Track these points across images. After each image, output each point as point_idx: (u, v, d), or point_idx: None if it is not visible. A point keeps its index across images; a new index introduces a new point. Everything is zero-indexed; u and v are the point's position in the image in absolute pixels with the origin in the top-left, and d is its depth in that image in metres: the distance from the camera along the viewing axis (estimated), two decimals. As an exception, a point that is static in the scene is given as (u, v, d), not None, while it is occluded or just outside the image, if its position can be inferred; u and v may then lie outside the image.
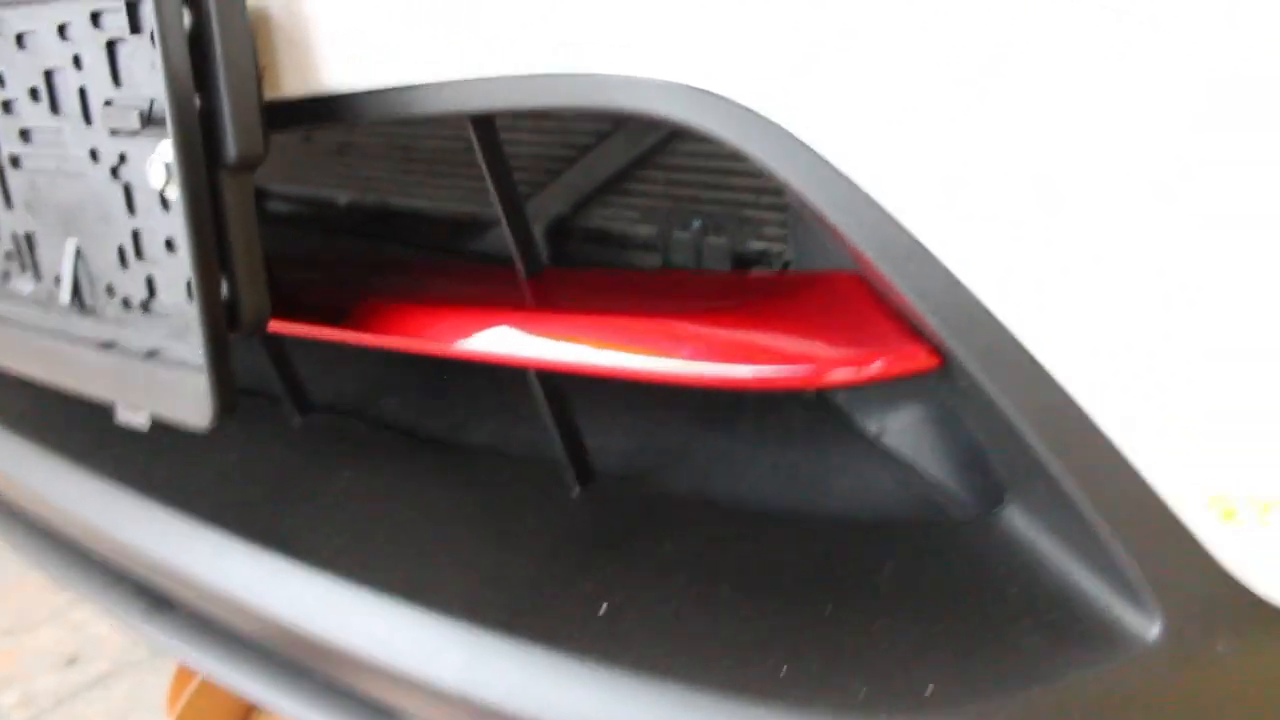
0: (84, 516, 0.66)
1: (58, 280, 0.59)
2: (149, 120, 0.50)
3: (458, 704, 0.51)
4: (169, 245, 0.53)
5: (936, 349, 0.44)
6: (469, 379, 0.68)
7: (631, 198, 0.76)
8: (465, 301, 0.53)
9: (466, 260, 0.71)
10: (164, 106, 0.49)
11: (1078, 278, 0.38)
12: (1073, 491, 0.41)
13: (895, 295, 0.44)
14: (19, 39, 0.55)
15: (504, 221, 0.55)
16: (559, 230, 0.80)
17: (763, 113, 0.43)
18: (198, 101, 0.48)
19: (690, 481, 0.59)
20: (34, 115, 0.56)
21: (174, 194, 0.51)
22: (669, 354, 0.48)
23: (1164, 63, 0.36)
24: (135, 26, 0.49)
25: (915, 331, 0.45)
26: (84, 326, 0.58)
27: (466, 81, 0.49)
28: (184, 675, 0.84)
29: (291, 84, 0.52)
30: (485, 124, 0.53)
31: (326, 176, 0.87)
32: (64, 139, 0.55)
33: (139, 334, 0.56)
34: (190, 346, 0.53)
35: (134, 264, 0.55)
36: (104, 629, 1.30)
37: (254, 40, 0.49)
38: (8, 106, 0.58)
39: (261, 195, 0.91)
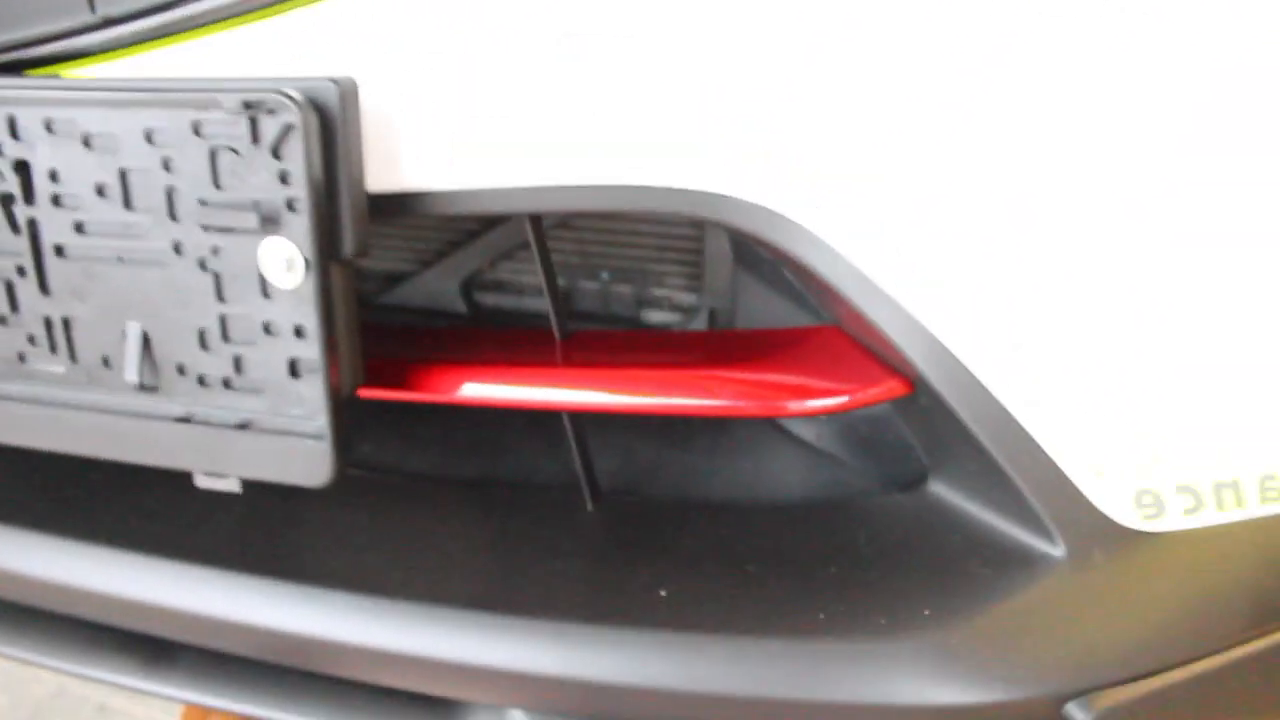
0: (91, 584, 0.68)
1: (106, 361, 0.63)
2: (267, 220, 0.56)
3: (559, 689, 0.63)
4: (267, 329, 0.59)
5: (910, 380, 0.62)
6: (478, 431, 0.77)
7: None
8: (518, 364, 0.64)
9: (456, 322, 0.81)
10: (278, 207, 0.56)
11: (1004, 338, 0.58)
12: (1005, 466, 0.61)
13: (881, 344, 0.62)
14: (86, 139, 0.58)
15: (547, 297, 0.66)
16: (473, 283, 0.91)
17: (784, 213, 0.59)
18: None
19: (673, 489, 0.74)
20: (98, 210, 0.59)
21: (286, 284, 0.58)
22: (717, 398, 0.63)
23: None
24: (255, 138, 0.56)
25: (892, 369, 0.63)
26: (145, 403, 0.62)
27: (531, 189, 0.60)
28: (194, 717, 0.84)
29: (378, 182, 0.60)
30: (537, 220, 0.64)
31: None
32: (138, 232, 0.59)
33: (223, 408, 0.61)
34: (292, 417, 0.60)
35: (218, 345, 0.60)
36: None
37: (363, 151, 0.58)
38: (58, 200, 0.60)
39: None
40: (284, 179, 0.56)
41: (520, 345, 0.68)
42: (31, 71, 0.63)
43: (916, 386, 0.63)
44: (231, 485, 0.62)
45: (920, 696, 0.60)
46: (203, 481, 0.62)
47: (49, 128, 0.59)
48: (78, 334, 0.63)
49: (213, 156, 0.57)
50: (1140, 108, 0.55)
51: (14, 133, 0.59)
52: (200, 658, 0.75)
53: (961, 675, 0.60)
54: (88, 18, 0.61)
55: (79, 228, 0.61)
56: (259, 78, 0.57)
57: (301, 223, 0.56)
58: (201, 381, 0.62)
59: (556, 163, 0.59)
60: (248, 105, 0.54)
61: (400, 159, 0.59)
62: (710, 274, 0.83)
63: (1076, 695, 0.61)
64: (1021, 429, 0.60)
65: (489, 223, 0.89)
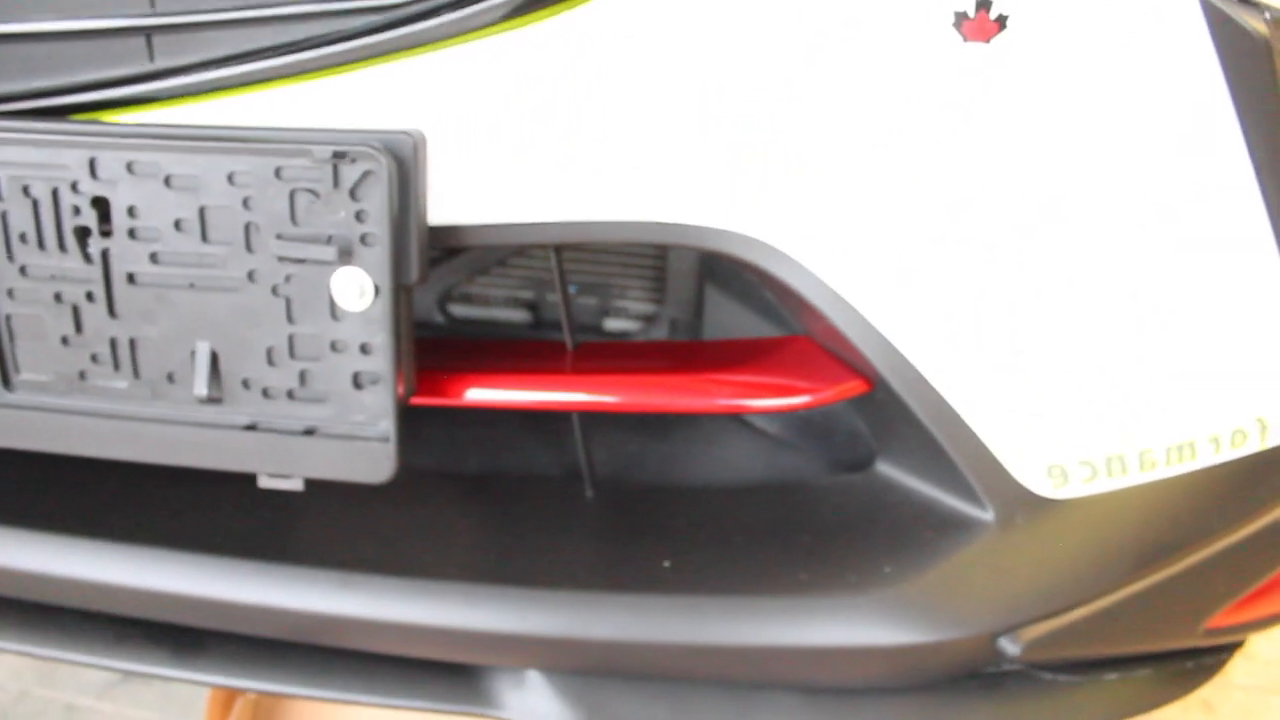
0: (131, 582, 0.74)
1: (170, 377, 0.69)
2: (343, 253, 0.64)
3: (580, 649, 0.73)
4: (334, 346, 0.67)
5: (869, 380, 0.75)
6: (477, 430, 0.86)
7: (516, 270, 0.97)
8: (540, 372, 0.74)
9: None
10: (353, 241, 0.64)
11: (946, 345, 0.71)
12: (946, 447, 0.75)
13: (846, 350, 0.74)
14: (167, 179, 0.64)
15: (562, 314, 0.76)
16: (448, 296, 0.99)
17: (770, 243, 0.71)
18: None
19: (656, 476, 0.85)
20: (174, 242, 0.66)
21: (356, 308, 0.66)
22: (705, 399, 0.74)
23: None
24: (336, 182, 0.63)
25: (854, 371, 0.76)
26: (210, 414, 0.69)
27: (558, 224, 0.70)
28: (219, 700, 0.89)
29: (434, 217, 0.69)
30: (559, 250, 0.74)
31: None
32: (212, 262, 0.66)
33: (287, 417, 0.68)
34: (355, 423, 0.68)
35: (284, 361, 0.67)
36: None
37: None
38: (134, 233, 0.66)
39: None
40: (360, 217, 0.64)
41: (537, 355, 0.78)
42: (82, 115, 0.69)
43: (875, 385, 0.76)
44: (295, 485, 0.69)
45: (888, 638, 0.74)
46: (266, 482, 0.70)
47: (130, 169, 0.65)
48: (143, 353, 0.69)
49: (291, 197, 0.64)
50: (1044, 149, 0.70)
51: (94, 172, 0.65)
52: (227, 643, 0.81)
53: (919, 618, 0.74)
54: (145, 67, 0.67)
55: (153, 258, 0.67)
56: (337, 130, 0.64)
57: (377, 255, 0.65)
58: (266, 393, 0.69)
59: (579, 203, 0.70)
60: (336, 155, 0.62)
61: (452, 199, 0.68)
62: (672, 287, 0.95)
63: (1007, 631, 0.76)
64: (959, 418, 0.74)
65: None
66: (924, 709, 0.79)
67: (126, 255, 0.67)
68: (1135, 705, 0.84)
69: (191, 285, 0.67)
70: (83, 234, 0.67)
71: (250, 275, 0.67)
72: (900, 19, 0.66)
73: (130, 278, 0.68)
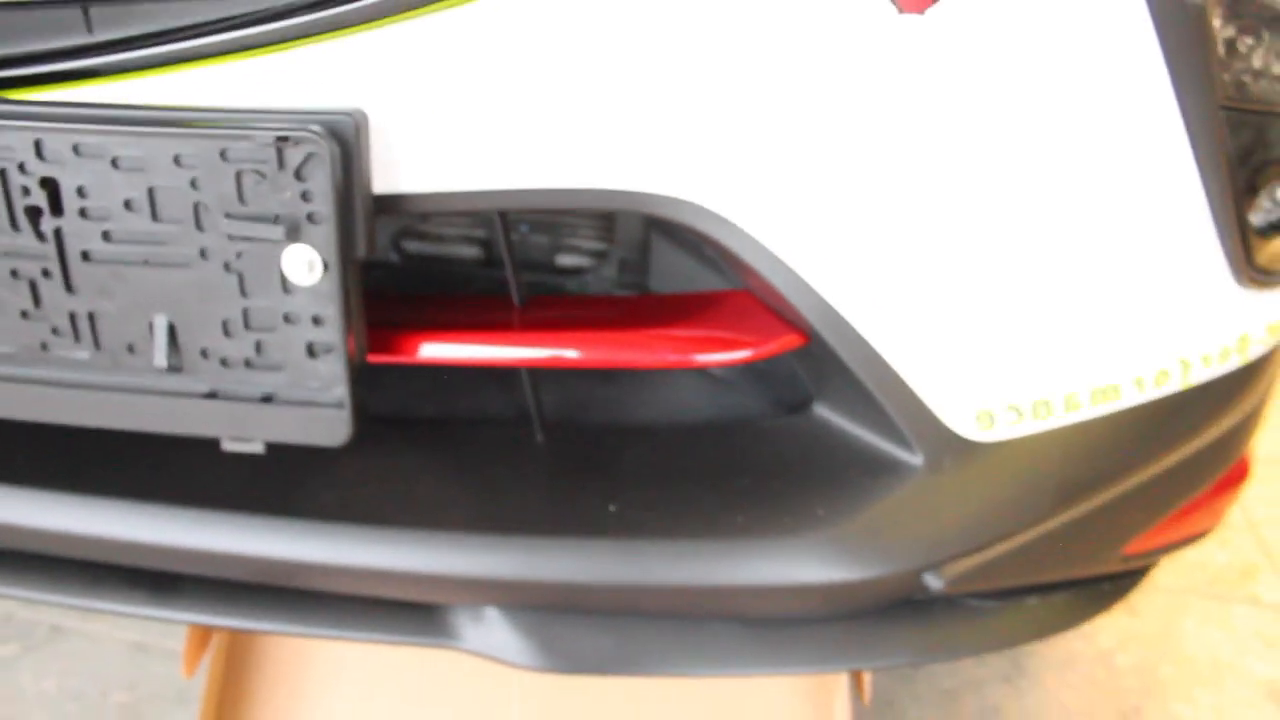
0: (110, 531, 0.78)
1: (130, 348, 0.71)
2: (290, 230, 0.66)
3: (533, 589, 0.78)
4: (287, 318, 0.69)
5: (805, 333, 0.78)
6: (432, 376, 0.88)
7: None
8: (490, 328, 0.77)
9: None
10: (299, 220, 0.66)
11: (876, 301, 0.74)
12: (877, 395, 0.79)
13: (782, 305, 0.77)
14: (114, 161, 0.65)
15: (508, 271, 0.78)
16: (402, 234, 1.00)
17: (714, 209, 0.73)
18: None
19: (605, 417, 0.89)
20: (126, 221, 0.67)
21: (306, 282, 0.68)
22: (649, 353, 0.77)
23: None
24: (281, 164, 0.64)
25: (791, 324, 0.79)
26: (171, 382, 0.71)
27: (499, 192, 0.72)
28: (197, 636, 0.94)
29: (377, 186, 0.70)
30: (504, 214, 0.75)
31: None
32: (164, 240, 0.67)
33: (245, 385, 0.71)
34: (311, 389, 0.71)
35: (240, 333, 0.70)
36: None
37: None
38: (84, 213, 0.67)
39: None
40: (305, 197, 0.66)
41: (488, 310, 0.80)
42: (24, 89, 0.69)
43: (810, 338, 0.79)
44: (256, 448, 0.73)
45: (820, 576, 0.79)
46: (229, 445, 0.73)
47: (76, 150, 0.66)
48: (102, 325, 0.71)
49: (238, 177, 0.66)
50: (976, 113, 0.71)
51: (40, 154, 0.66)
52: (200, 585, 0.86)
53: (849, 558, 0.79)
54: (83, 39, 0.67)
55: (106, 236, 0.68)
56: (279, 110, 0.65)
57: (323, 232, 0.67)
58: (224, 363, 0.71)
59: (523, 172, 0.71)
60: (279, 139, 0.63)
61: (395, 169, 0.69)
62: (621, 227, 0.97)
63: (931, 567, 0.81)
64: (889, 367, 0.78)
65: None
66: (856, 634, 0.85)
67: (79, 234, 0.69)
68: (1055, 625, 0.91)
69: (145, 262, 0.69)
70: (34, 213, 0.68)
71: (202, 252, 0.68)
72: (837, -8, 0.67)
73: (84, 255, 0.69)
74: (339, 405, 0.72)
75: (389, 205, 0.72)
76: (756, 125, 0.70)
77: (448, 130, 0.70)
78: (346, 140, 0.66)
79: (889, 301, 0.77)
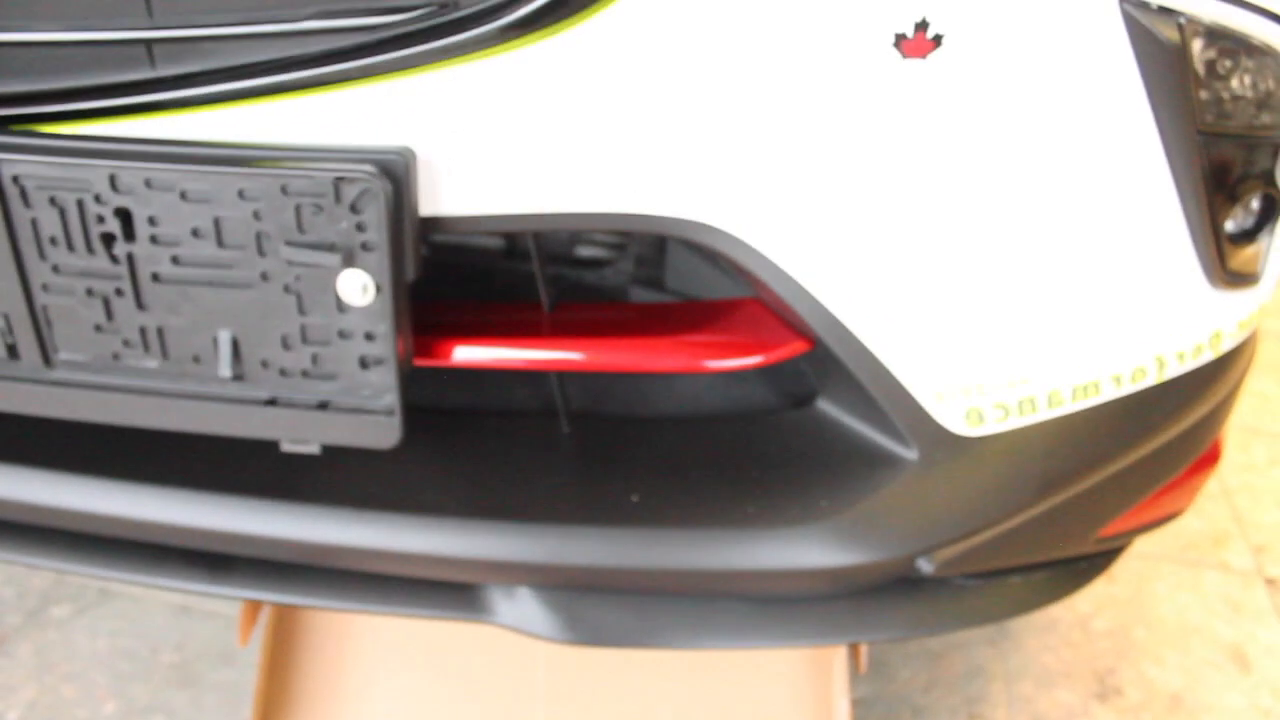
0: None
1: (196, 359, 0.77)
2: (346, 257, 0.72)
3: (562, 571, 0.85)
4: (341, 334, 0.76)
5: (810, 339, 0.85)
6: (450, 371, 0.95)
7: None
8: (521, 335, 0.83)
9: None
10: (354, 247, 0.72)
11: (874, 311, 0.81)
12: (875, 396, 0.86)
13: (789, 314, 0.84)
14: (183, 194, 0.71)
15: (540, 286, 0.85)
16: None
17: (728, 230, 0.79)
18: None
19: (624, 407, 0.96)
20: (193, 247, 0.73)
21: (360, 302, 0.74)
22: (668, 359, 0.84)
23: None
24: (337, 198, 0.70)
25: (797, 331, 0.85)
26: (234, 389, 0.78)
27: (536, 215, 0.78)
28: (250, 608, 1.02)
29: (423, 209, 0.76)
30: (538, 233, 0.82)
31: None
32: (228, 264, 0.74)
33: (302, 392, 0.78)
34: (363, 397, 0.78)
35: (298, 346, 0.76)
36: None
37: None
38: (155, 239, 0.73)
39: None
40: (360, 227, 0.72)
41: (518, 315, 0.87)
42: (84, 121, 0.74)
43: (814, 343, 0.86)
44: (313, 449, 0.80)
45: (822, 561, 0.87)
46: (288, 447, 0.80)
47: (148, 183, 0.71)
48: (170, 338, 0.78)
49: (297, 209, 0.72)
50: (973, 145, 0.77)
51: (115, 187, 0.72)
52: (253, 564, 0.93)
53: (849, 545, 0.87)
54: (146, 74, 0.73)
55: (175, 260, 0.74)
56: (335, 149, 0.71)
57: (376, 259, 0.73)
58: (283, 373, 0.78)
59: (554, 198, 0.77)
60: (336, 180, 0.69)
61: (438, 195, 0.76)
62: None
63: (924, 552, 0.89)
64: (887, 370, 0.85)
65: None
66: (854, 611, 0.93)
67: (150, 258, 0.75)
68: (1035, 601, 0.99)
69: (211, 283, 0.76)
70: (108, 239, 0.75)
71: (263, 275, 0.75)
72: (846, 39, 0.73)
73: (155, 276, 0.76)
74: (389, 412, 0.79)
75: (432, 225, 0.78)
76: (768, 156, 0.76)
77: (485, 162, 0.76)
78: (397, 176, 0.72)
79: (886, 311, 0.83)
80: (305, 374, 0.78)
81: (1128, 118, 0.80)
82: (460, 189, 0.77)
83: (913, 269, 0.82)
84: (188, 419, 0.80)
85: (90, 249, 0.75)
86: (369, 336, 0.77)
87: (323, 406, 0.79)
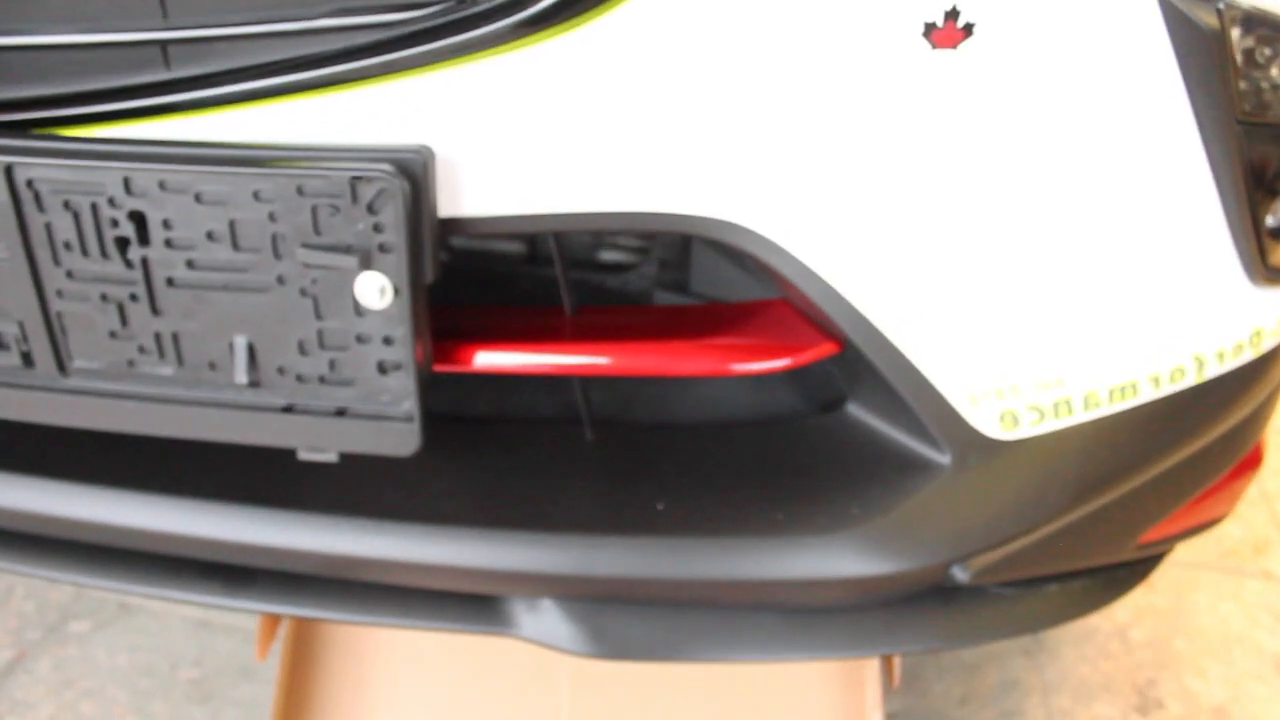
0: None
1: (212, 365, 0.76)
2: (363, 259, 0.70)
3: (587, 583, 0.83)
4: (359, 339, 0.74)
5: (840, 341, 0.83)
6: (471, 378, 0.94)
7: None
8: (545, 339, 0.81)
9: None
10: (372, 249, 0.71)
11: (906, 312, 0.79)
12: (907, 399, 0.83)
13: (819, 315, 0.81)
14: (198, 196, 0.70)
15: (561, 285, 0.83)
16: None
17: (757, 230, 0.77)
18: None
19: (649, 414, 0.94)
20: (209, 250, 0.72)
21: (378, 305, 0.73)
22: (696, 362, 0.82)
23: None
24: (354, 199, 0.69)
25: (826, 333, 0.83)
26: (250, 396, 0.77)
27: (559, 214, 0.76)
28: (268, 622, 1.00)
29: (443, 210, 0.75)
30: (560, 234, 0.80)
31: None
32: (244, 267, 0.72)
33: (320, 399, 0.76)
34: (381, 403, 0.76)
35: (315, 352, 0.75)
36: None
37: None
38: (170, 243, 0.72)
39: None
40: (377, 229, 0.71)
41: (540, 320, 0.85)
42: (100, 124, 0.73)
43: (844, 345, 0.84)
44: (330, 457, 0.78)
45: (854, 570, 0.84)
46: (305, 455, 0.78)
47: (162, 186, 0.70)
48: (185, 344, 0.76)
49: (314, 211, 0.70)
50: (1006, 140, 0.75)
51: (129, 190, 0.71)
52: (272, 576, 0.92)
53: (881, 554, 0.84)
54: (162, 75, 0.72)
55: (190, 264, 0.73)
56: (352, 148, 0.70)
57: (394, 261, 0.71)
58: (300, 379, 0.76)
59: (578, 197, 0.75)
60: (353, 179, 0.68)
61: (458, 196, 0.74)
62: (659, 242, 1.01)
63: (959, 560, 0.86)
64: (919, 372, 0.83)
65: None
66: (887, 621, 0.91)
67: (164, 262, 0.74)
68: (1074, 611, 0.96)
69: (226, 287, 0.74)
70: (122, 243, 0.73)
71: (279, 279, 0.73)
72: (875, 29, 0.71)
73: (169, 281, 0.74)
74: (408, 418, 0.77)
75: (451, 227, 0.77)
76: (795, 152, 0.74)
77: (505, 161, 0.74)
78: (415, 176, 0.70)
79: (918, 312, 0.81)
80: (323, 380, 0.77)
81: (1165, 108, 0.77)
82: (480, 189, 0.75)
83: (944, 267, 0.79)
84: (203, 427, 0.79)
85: (105, 254, 0.74)
86: (387, 340, 0.75)
87: (340, 413, 0.77)
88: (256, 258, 0.73)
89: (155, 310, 0.76)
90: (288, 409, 0.78)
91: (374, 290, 0.73)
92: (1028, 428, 0.88)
